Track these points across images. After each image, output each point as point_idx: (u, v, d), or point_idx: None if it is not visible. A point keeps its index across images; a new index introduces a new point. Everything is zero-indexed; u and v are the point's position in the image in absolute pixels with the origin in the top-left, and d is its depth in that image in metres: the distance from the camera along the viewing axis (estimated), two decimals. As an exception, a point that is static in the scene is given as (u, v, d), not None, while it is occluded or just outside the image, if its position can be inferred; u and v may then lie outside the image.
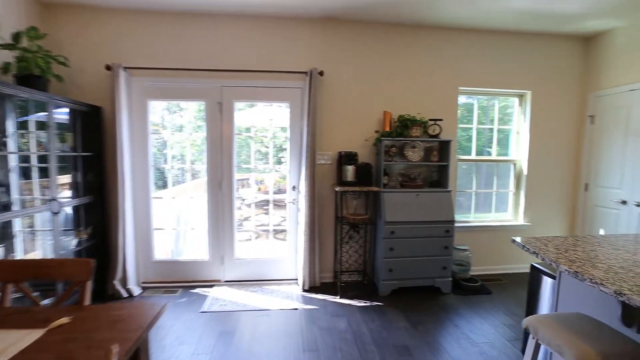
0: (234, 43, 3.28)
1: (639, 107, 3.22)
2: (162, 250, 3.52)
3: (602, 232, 3.58)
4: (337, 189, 3.18)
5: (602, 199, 3.60)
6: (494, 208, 3.96)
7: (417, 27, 3.49)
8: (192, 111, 3.58)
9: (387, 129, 3.39)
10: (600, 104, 3.61)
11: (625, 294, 1.21)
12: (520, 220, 3.86)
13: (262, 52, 3.31)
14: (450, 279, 3.32)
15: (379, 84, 3.49)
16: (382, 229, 3.19)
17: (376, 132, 3.47)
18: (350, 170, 3.28)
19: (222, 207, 3.42)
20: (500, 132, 3.91)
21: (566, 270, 1.47)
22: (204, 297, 3.15)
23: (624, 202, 3.37)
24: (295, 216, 3.52)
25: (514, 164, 3.90)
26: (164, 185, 3.56)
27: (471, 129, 3.83)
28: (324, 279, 3.54)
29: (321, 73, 3.31)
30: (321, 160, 3.45)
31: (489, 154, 3.92)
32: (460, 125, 3.74)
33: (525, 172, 3.80)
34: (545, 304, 2.25)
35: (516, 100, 3.85)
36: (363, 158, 3.49)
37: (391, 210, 3.21)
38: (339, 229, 3.43)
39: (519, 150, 3.87)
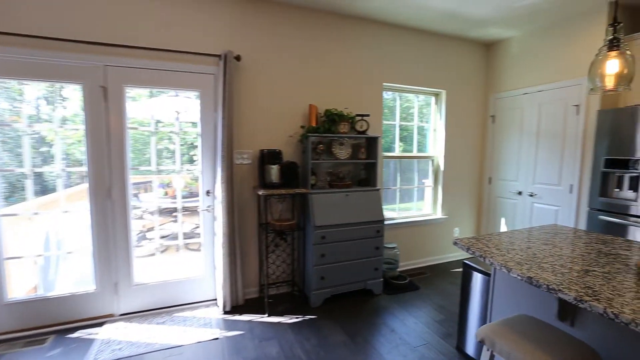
0: (124, 9, 2.56)
1: (531, 109, 3.63)
2: (20, 287, 2.59)
3: (503, 220, 3.98)
4: (261, 192, 2.77)
5: (502, 191, 4.00)
6: (416, 203, 4.08)
7: (344, 17, 3.29)
8: (78, 101, 2.69)
9: (314, 124, 3.11)
10: (499, 105, 4.00)
11: (586, 301, 1.15)
12: (438, 213, 4.04)
13: (163, 25, 2.66)
14: (382, 279, 3.24)
15: (304, 74, 3.19)
16: (312, 235, 2.91)
17: (302, 127, 3.16)
18: (274, 170, 2.91)
19: (113, 220, 2.68)
20: (420, 129, 4.03)
21: (519, 275, 1.40)
22: (90, 342, 2.40)
23: (519, 193, 3.78)
24: (211, 226, 2.98)
25: (432, 160, 4.07)
26: (24, 197, 2.61)
27: (394, 125, 3.84)
28: (249, 295, 3.10)
29: (238, 58, 2.84)
30: (240, 160, 2.99)
31: (398, 150, 4.00)
32: (384, 122, 3.71)
33: (442, 167, 3.99)
34: (476, 299, 2.27)
35: (433, 98, 4.00)
36: (288, 156, 3.15)
37: (321, 213, 2.95)
38: (264, 238, 3.03)
39: (436, 147, 4.04)
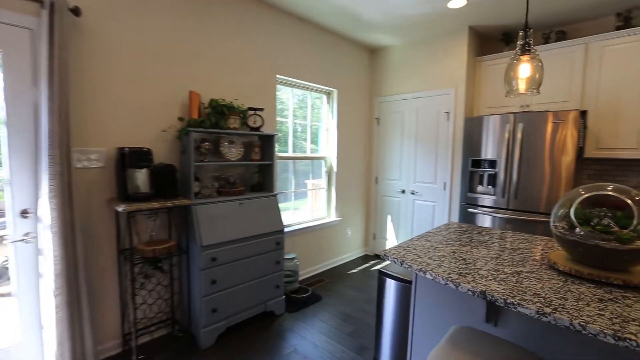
0: None
1: (410, 114, 3.93)
2: None
3: (389, 217, 4.21)
4: (121, 207, 1.95)
5: (388, 190, 4.22)
6: (309, 206, 3.86)
7: (227, -11, 2.73)
8: None
9: (196, 116, 2.45)
10: (383, 108, 4.20)
11: (549, 314, 1.06)
12: (333, 216, 3.94)
13: None
14: (284, 296, 2.85)
15: (184, 53, 2.47)
16: (199, 257, 2.27)
17: (180, 119, 2.45)
18: (141, 176, 2.12)
19: None
20: (314, 128, 3.83)
21: (470, 290, 1.25)
22: None
23: (403, 192, 4.06)
24: (32, 264, 1.94)
25: (325, 161, 3.93)
26: None
27: (286, 123, 3.50)
28: (107, 352, 2.19)
29: (76, 11, 1.92)
30: (85, 162, 2.06)
31: (292, 150, 3.75)
32: (277, 119, 3.33)
33: (335, 168, 3.90)
34: (394, 308, 2.16)
35: (325, 97, 3.86)
36: (161, 157, 2.39)
37: (209, 229, 2.33)
38: (128, 270, 2.18)
39: (329, 147, 3.93)
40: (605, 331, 0.96)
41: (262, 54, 3.01)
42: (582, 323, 1.00)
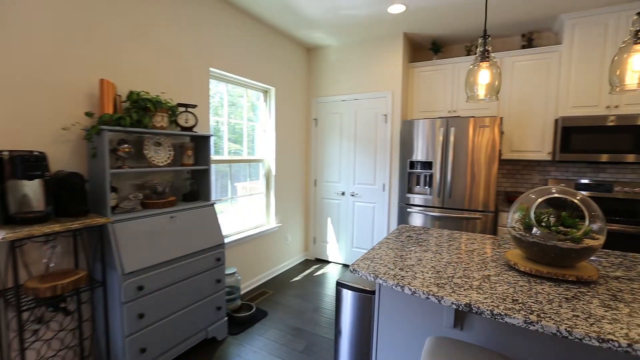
0: None
1: (349, 115, 3.92)
2: None
3: (329, 220, 4.15)
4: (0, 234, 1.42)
5: (327, 192, 4.15)
6: (248, 214, 3.55)
7: (148, -40, 2.27)
8: None
9: (110, 111, 1.97)
10: (321, 109, 4.11)
11: (536, 322, 1.05)
12: (272, 222, 3.70)
13: None
14: (226, 318, 2.53)
15: (93, 29, 1.95)
16: (120, 289, 1.82)
17: (88, 115, 1.93)
18: (32, 189, 1.61)
19: None
20: (250, 129, 3.52)
21: (454, 304, 1.20)
22: None
23: (343, 194, 4.04)
24: None
25: (263, 164, 3.66)
26: None
27: (221, 122, 3.13)
28: None
29: None
30: (-64, 173, 1.45)
31: (227, 152, 3.42)
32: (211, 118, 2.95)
33: (274, 171, 3.66)
34: (350, 319, 2.06)
35: (262, 95, 3.59)
36: (62, 164, 1.86)
37: (133, 252, 1.90)
38: (13, 318, 1.62)
39: (267, 149, 3.67)
40: (590, 335, 0.99)
41: (194, 43, 2.61)
42: (567, 329, 1.02)
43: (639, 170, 3.08)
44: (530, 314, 1.10)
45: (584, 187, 3.22)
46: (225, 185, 3.20)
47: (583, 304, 1.17)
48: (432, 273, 1.46)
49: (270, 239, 3.64)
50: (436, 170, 3.27)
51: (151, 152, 2.21)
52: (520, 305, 1.16)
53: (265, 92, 3.60)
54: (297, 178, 4.08)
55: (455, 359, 1.28)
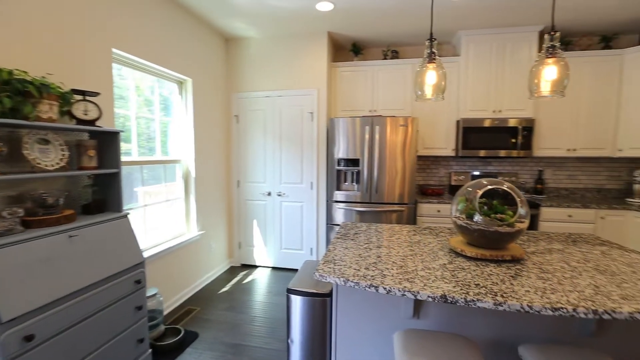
0: None
1: (273, 112, 3.76)
2: None
3: (255, 222, 3.93)
4: None
5: (252, 193, 3.92)
6: (164, 222, 3.07)
7: None
8: None
9: (-33, 96, 1.40)
10: (242, 105, 3.84)
11: (503, 303, 1.15)
12: (194, 231, 3.29)
13: None
14: (150, 350, 2.11)
15: None
16: None
17: None
18: None
19: None
20: (163, 125, 3.03)
21: (429, 297, 1.22)
22: None
23: (269, 194, 3.87)
24: None
25: (181, 165, 3.21)
26: None
27: (128, 117, 2.61)
28: None
29: None
30: None
31: (137, 152, 2.91)
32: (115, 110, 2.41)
33: (193, 173, 3.25)
34: (303, 326, 1.96)
35: (177, 87, 3.13)
36: None
37: (14, 291, 1.40)
38: None
39: (185, 148, 3.23)
40: (545, 306, 1.13)
41: (93, 16, 2.07)
42: (528, 304, 1.15)
43: (514, 163, 3.82)
44: (495, 295, 1.20)
45: (477, 177, 3.83)
46: (135, 190, 2.68)
47: (526, 280, 1.35)
48: (396, 269, 1.48)
49: (192, 249, 3.22)
50: (363, 167, 3.41)
51: (35, 153, 1.67)
52: (484, 288, 1.26)
53: (181, 84, 3.15)
54: (218, 179, 3.73)
55: (428, 347, 1.32)
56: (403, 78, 3.66)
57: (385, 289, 1.30)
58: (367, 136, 3.36)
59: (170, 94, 3.08)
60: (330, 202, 3.54)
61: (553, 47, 1.47)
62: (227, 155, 3.91)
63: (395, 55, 3.80)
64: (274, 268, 3.94)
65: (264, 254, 3.95)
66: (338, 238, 2.00)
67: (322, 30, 3.49)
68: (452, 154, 3.65)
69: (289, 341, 1.97)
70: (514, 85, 3.38)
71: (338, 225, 3.52)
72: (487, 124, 3.42)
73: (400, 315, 1.65)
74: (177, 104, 3.15)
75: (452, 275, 1.39)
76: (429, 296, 1.23)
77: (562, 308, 1.12)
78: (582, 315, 1.11)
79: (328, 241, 3.64)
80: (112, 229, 1.94)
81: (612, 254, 1.70)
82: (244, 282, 3.54)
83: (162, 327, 2.47)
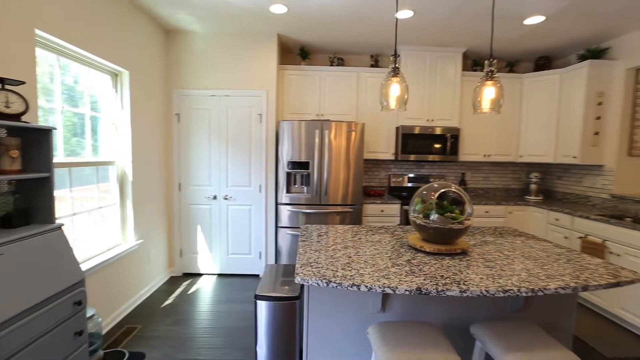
0: None
1: (219, 112, 3.60)
2: None
3: (199, 228, 3.70)
4: None
5: (195, 197, 3.68)
6: (98, 232, 2.70)
7: None
8: None
9: None
10: (185, 102, 3.58)
11: (467, 290, 1.34)
12: (131, 240, 2.96)
13: None
14: (91, 379, 1.86)
15: None
16: None
17: None
18: None
19: None
20: (95, 121, 2.66)
21: (407, 290, 1.35)
22: None
23: (215, 197, 3.69)
24: None
25: (116, 167, 2.86)
26: None
27: (52, 111, 2.23)
28: None
29: None
30: None
31: (63, 152, 2.53)
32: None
33: (130, 176, 2.93)
34: (265, 329, 1.95)
35: (111, 79, 2.77)
36: None
37: None
38: None
39: (120, 149, 2.89)
40: (498, 290, 1.35)
41: (4, -12, 1.73)
42: (485, 289, 1.35)
43: (443, 166, 4.33)
44: (459, 284, 1.39)
45: (413, 179, 4.24)
46: (61, 196, 2.31)
47: (477, 269, 1.58)
48: (370, 267, 1.58)
49: (130, 260, 2.90)
50: (313, 170, 3.49)
51: (-61, 154, 1.34)
52: (448, 279, 1.45)
53: (116, 76, 2.81)
54: (157, 183, 3.42)
55: (402, 336, 1.45)
56: (348, 85, 3.85)
57: (366, 286, 1.39)
58: (317, 140, 3.45)
59: (102, 87, 2.73)
60: (279, 204, 3.54)
61: (491, 71, 1.75)
62: (168, 156, 3.61)
63: (340, 62, 3.97)
64: (220, 275, 3.77)
65: (209, 260, 3.74)
66: (304, 241, 2.04)
67: (273, 32, 3.48)
68: (392, 157, 3.97)
69: (257, 348, 1.94)
70: (443, 97, 3.85)
71: (287, 227, 3.54)
72: (422, 131, 3.82)
73: (369, 311, 1.77)
74: (110, 98, 2.80)
75: (419, 270, 1.56)
76: (406, 290, 1.36)
77: (510, 290, 1.36)
78: (524, 294, 1.36)
79: (277, 244, 3.63)
80: (43, 244, 1.66)
81: (529, 242, 2.08)
82: (189, 292, 3.32)
83: (101, 353, 2.18)
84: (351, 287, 1.40)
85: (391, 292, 1.37)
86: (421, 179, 4.24)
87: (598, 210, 3.36)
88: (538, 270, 1.57)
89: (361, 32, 3.43)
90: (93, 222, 2.62)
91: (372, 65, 4.01)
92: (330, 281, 1.42)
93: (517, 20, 3.02)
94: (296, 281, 1.46)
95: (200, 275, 3.75)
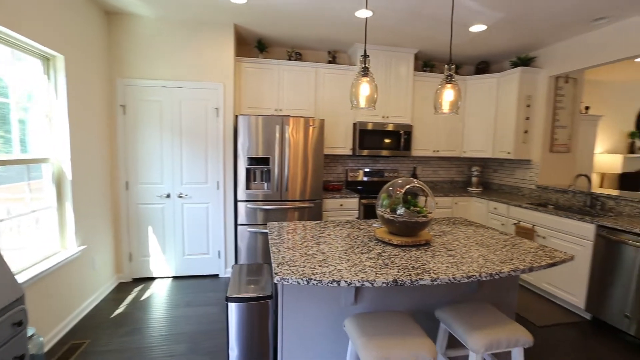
0: None
1: (172, 105, 3.35)
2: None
3: (150, 229, 3.44)
4: None
5: (145, 196, 3.41)
6: (32, 240, 2.36)
7: None
8: None
9: None
10: (131, 93, 3.26)
11: (437, 279, 1.45)
12: (72, 246, 2.65)
13: None
14: (37, 406, 1.65)
15: None
16: None
17: None
18: None
19: None
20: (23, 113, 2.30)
21: (384, 283, 1.42)
22: None
23: (168, 196, 3.45)
24: None
25: (50, 165, 2.52)
26: None
27: (-31, 100, 1.89)
28: None
29: None
30: None
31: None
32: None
33: (69, 175, 2.61)
34: (236, 331, 1.90)
35: (42, 64, 2.41)
36: None
37: None
38: None
39: (56, 144, 2.54)
40: (463, 276, 1.49)
41: None
42: (453, 276, 1.48)
43: (396, 161, 4.56)
44: (429, 273, 1.50)
45: (369, 174, 4.41)
46: (-15, 202, 1.98)
47: (442, 258, 1.71)
48: (346, 263, 1.63)
49: (71, 269, 2.60)
50: (274, 165, 3.45)
51: None
52: (419, 270, 1.55)
53: (48, 61, 2.46)
54: (102, 181, 3.09)
55: (379, 325, 1.53)
56: (307, 80, 3.85)
57: (346, 282, 1.43)
58: (277, 135, 3.41)
59: (32, 73, 2.37)
60: (238, 201, 3.44)
61: (450, 75, 1.89)
62: (112, 152, 3.27)
63: (298, 57, 3.95)
64: (176, 277, 3.55)
65: (163, 263, 3.51)
66: (274, 239, 2.02)
67: (230, 22, 3.32)
68: (350, 153, 4.08)
69: (229, 351, 1.88)
70: (397, 95, 4.04)
71: (247, 225, 3.46)
72: (377, 127, 3.98)
73: (342, 304, 1.83)
74: (42, 86, 2.45)
75: (392, 262, 1.64)
76: (383, 282, 1.43)
77: (473, 275, 1.50)
78: (484, 279, 1.52)
79: (237, 242, 3.54)
80: (-29, 258, 1.42)
81: (479, 231, 2.31)
82: (142, 298, 3.08)
83: (45, 374, 1.94)
84: (332, 283, 1.43)
85: (370, 285, 1.43)
86: (376, 173, 4.43)
87: (527, 199, 3.84)
88: (492, 256, 1.75)
89: (320, 28, 3.44)
90: (25, 229, 2.29)
91: (329, 62, 4.05)
92: (311, 279, 1.44)
93: (464, 27, 3.28)
94: (275, 281, 1.45)
95: (153, 279, 3.50)
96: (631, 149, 5.62)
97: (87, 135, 2.85)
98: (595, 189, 3.46)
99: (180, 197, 3.47)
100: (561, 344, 2.51)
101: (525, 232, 3.36)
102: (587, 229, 2.81)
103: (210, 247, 3.60)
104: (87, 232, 2.83)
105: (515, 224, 3.51)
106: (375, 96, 1.83)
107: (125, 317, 2.76)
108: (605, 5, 2.73)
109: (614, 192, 3.30)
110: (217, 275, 3.65)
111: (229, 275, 3.62)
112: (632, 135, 5.61)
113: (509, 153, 3.97)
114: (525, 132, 3.94)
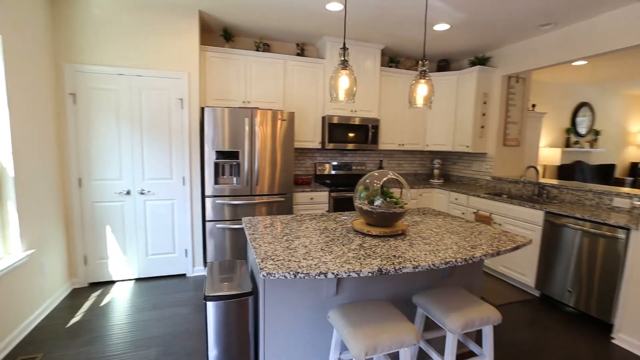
0: None
1: (131, 95, 3.11)
2: None
3: (109, 228, 3.18)
4: None
5: (102, 194, 3.14)
6: (-35, 246, 2.07)
7: None
8: None
9: None
10: (82, 81, 2.97)
11: (419, 266, 1.51)
12: (17, 251, 2.37)
13: None
14: None
15: None
16: None
17: None
18: None
19: None
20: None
21: (370, 272, 1.45)
22: None
23: (128, 193, 3.21)
24: None
25: (-12, 161, 2.22)
26: None
27: None
28: None
29: None
30: None
31: None
32: None
33: (10, 172, 2.32)
34: (214, 331, 1.84)
35: (-26, 44, 2.10)
36: None
37: None
38: None
39: (-7, 137, 2.24)
40: (442, 262, 1.57)
41: None
42: (433, 263, 1.55)
43: (364, 154, 4.66)
44: (410, 261, 1.56)
45: (337, 167, 4.45)
46: None
47: (419, 247, 1.79)
48: (329, 255, 1.64)
49: (16, 276, 2.33)
50: (244, 159, 3.35)
51: None
52: (400, 258, 1.61)
53: (-18, 40, 2.15)
54: (51, 178, 2.79)
55: (363, 314, 1.57)
56: (275, 72, 3.78)
57: (333, 273, 1.44)
58: (247, 128, 3.31)
59: (-40, 54, 2.06)
60: (206, 197, 3.30)
61: (424, 71, 1.96)
62: (62, 145, 2.96)
63: (266, 48, 3.85)
64: (139, 279, 3.33)
65: (124, 264, 3.27)
66: (253, 234, 1.97)
67: (194, 7, 3.13)
68: (319, 146, 4.09)
69: (208, 351, 1.82)
70: (365, 89, 4.11)
71: (216, 221, 3.34)
72: (346, 121, 4.02)
73: (324, 296, 1.84)
74: (-25, 70, 2.14)
75: (373, 252, 1.68)
76: (369, 272, 1.46)
77: (450, 261, 1.59)
78: (460, 264, 1.62)
79: (205, 239, 3.40)
80: None
81: (448, 220, 2.45)
82: (101, 304, 2.86)
83: (-6, 394, 1.73)
84: (319, 275, 1.43)
85: (356, 275, 1.45)
86: (344, 166, 4.49)
87: (484, 189, 4.14)
88: (463, 243, 1.87)
89: (289, 19, 3.38)
90: (-40, 232, 2.00)
91: (298, 54, 4.00)
92: (298, 272, 1.43)
93: (429, 26, 3.41)
94: (261, 276, 1.41)
95: (113, 282, 3.25)
96: (567, 143, 6.28)
97: (32, 127, 2.55)
98: (542, 179, 3.82)
99: (142, 193, 3.25)
100: (516, 319, 2.76)
101: (484, 220, 3.62)
102: (536, 215, 3.10)
103: (176, 246, 3.43)
104: (34, 235, 2.55)
105: (474, 212, 3.77)
106: (355, 89, 1.84)
107: (82, 325, 2.54)
108: (552, 8, 2.99)
109: (557, 182, 3.67)
110: (185, 274, 3.48)
111: (197, 274, 3.47)
112: (568, 130, 6.26)
113: (467, 147, 4.23)
114: (482, 127, 4.22)
